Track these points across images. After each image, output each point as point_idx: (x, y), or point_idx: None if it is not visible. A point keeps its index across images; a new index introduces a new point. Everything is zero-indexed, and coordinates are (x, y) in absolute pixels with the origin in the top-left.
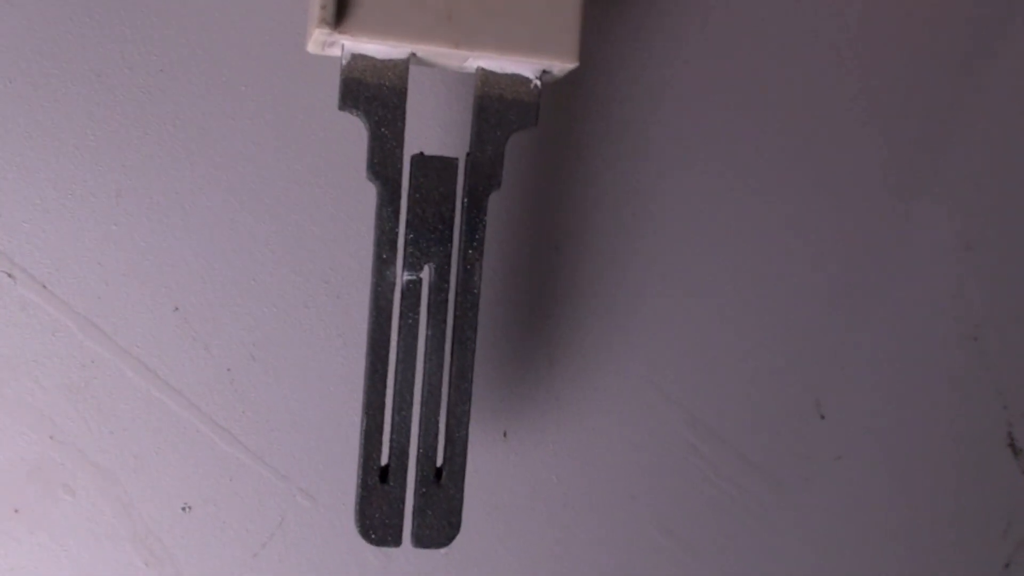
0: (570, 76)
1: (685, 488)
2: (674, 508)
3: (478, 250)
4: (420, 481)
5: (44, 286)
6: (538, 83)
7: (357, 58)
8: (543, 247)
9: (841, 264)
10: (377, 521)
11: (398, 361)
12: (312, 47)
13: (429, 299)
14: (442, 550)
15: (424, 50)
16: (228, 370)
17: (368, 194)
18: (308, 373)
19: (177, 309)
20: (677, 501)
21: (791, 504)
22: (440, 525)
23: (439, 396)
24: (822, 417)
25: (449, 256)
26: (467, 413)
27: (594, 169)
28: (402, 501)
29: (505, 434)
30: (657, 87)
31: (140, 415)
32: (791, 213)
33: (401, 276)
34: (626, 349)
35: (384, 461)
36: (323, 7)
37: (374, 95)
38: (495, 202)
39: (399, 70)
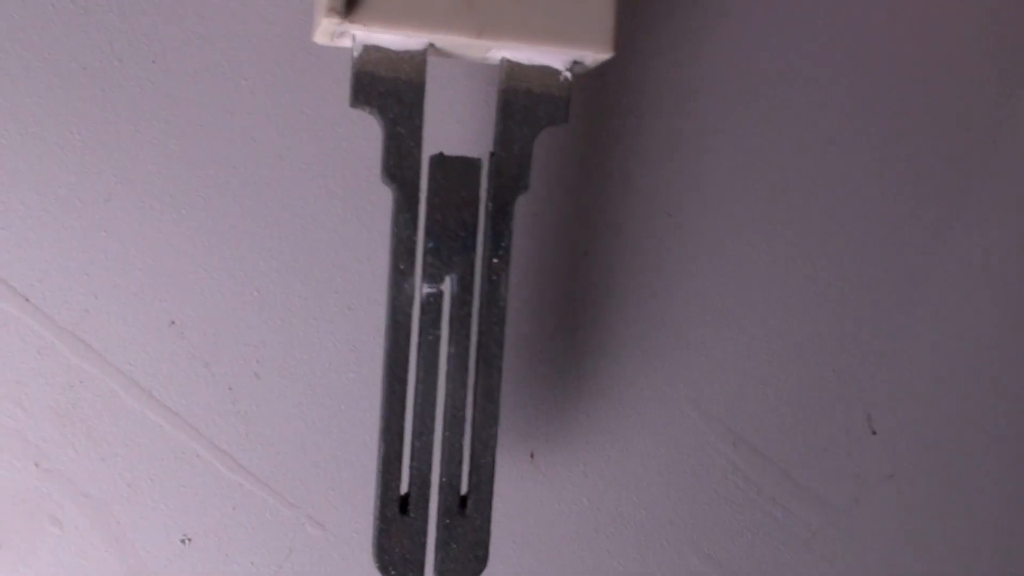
0: (600, 68)
1: (726, 511)
2: (715, 533)
3: (504, 259)
4: (443, 511)
5: (26, 299)
6: (568, 75)
7: (370, 49)
8: (570, 251)
9: (891, 270)
10: (397, 555)
11: (418, 381)
12: (320, 37)
13: (451, 313)
14: None
15: (443, 40)
16: (229, 389)
17: (382, 198)
18: (317, 391)
19: (173, 323)
20: (718, 525)
21: (840, 527)
22: (466, 559)
23: (463, 419)
24: (873, 432)
25: (472, 266)
26: (494, 437)
27: (625, 167)
28: (424, 533)
29: (532, 455)
30: (693, 80)
31: (133, 439)
32: (839, 217)
33: (420, 288)
34: (661, 362)
35: (404, 490)
36: None
37: (389, 90)
38: (520, 204)
39: (416, 62)
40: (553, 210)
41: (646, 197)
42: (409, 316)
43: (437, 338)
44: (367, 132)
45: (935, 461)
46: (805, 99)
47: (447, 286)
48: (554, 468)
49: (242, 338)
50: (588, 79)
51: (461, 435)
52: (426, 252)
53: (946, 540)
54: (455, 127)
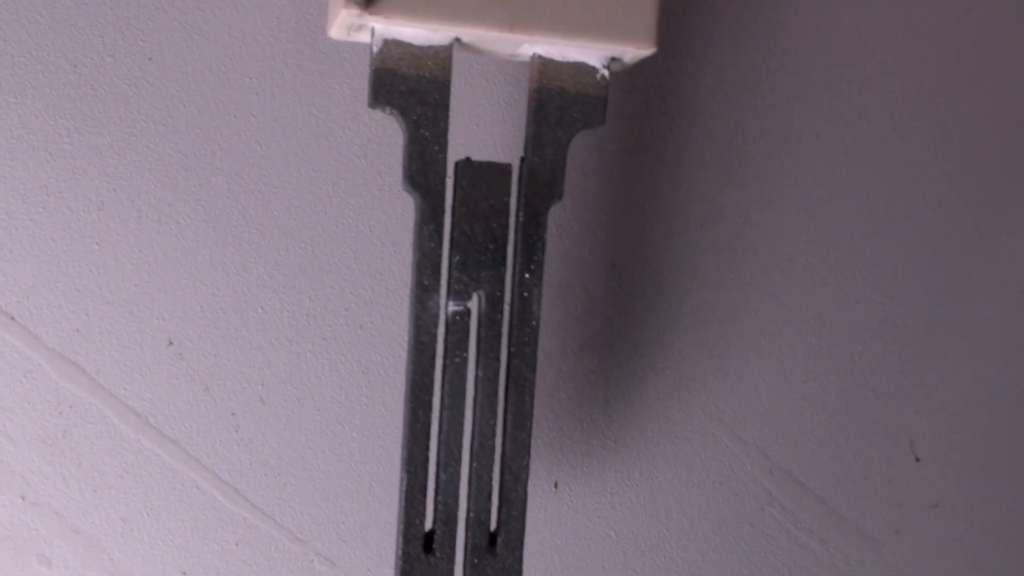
0: (636, 66)
1: (761, 544)
2: (749, 566)
3: (536, 274)
4: (471, 550)
5: (12, 318)
6: (606, 73)
7: (391, 44)
8: (597, 264)
9: (935, 286)
10: None
11: (443, 408)
12: (336, 32)
13: (479, 333)
14: None
15: (471, 34)
16: (232, 415)
17: (398, 207)
18: (326, 417)
19: (171, 344)
20: (753, 559)
21: (881, 559)
22: None
23: (492, 448)
24: (917, 459)
25: (502, 282)
26: (526, 469)
27: (655, 174)
28: (451, 573)
29: (556, 485)
30: (729, 83)
31: (128, 470)
32: (880, 241)
33: (446, 306)
34: (693, 384)
35: (429, 526)
36: None
37: (412, 89)
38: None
39: (441, 58)
40: (578, 220)
41: (678, 207)
42: (434, 337)
43: (464, 360)
44: (386, 135)
45: (982, 489)
46: (847, 109)
47: (475, 304)
48: (579, 499)
49: (246, 360)
50: (613, 78)
51: (490, 466)
52: (452, 267)
53: (993, 574)
54: (483, 130)
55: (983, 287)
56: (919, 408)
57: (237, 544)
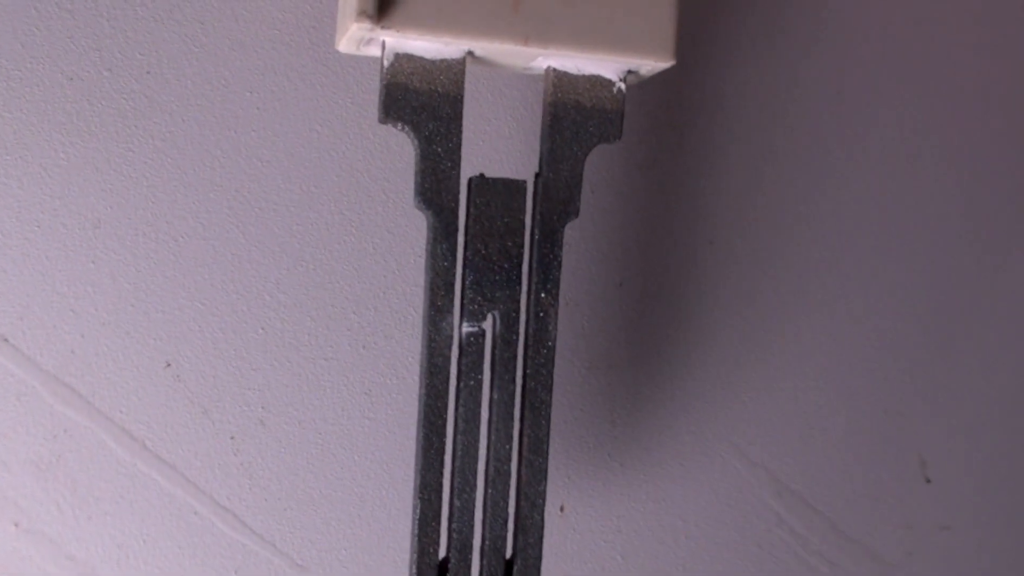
0: (650, 79)
1: (770, 565)
2: None
3: (552, 293)
4: None
5: (5, 339)
6: (622, 86)
7: (402, 59)
8: (604, 282)
9: (945, 305)
10: None
11: (457, 432)
12: (345, 46)
13: (494, 355)
14: None
15: (484, 47)
16: (231, 438)
17: (404, 224)
18: (328, 441)
19: (169, 365)
20: None
21: None
22: None
23: (508, 474)
24: (928, 481)
25: (517, 302)
26: (542, 495)
27: (663, 189)
28: None
29: (562, 508)
30: (740, 96)
31: (124, 495)
32: (891, 259)
33: (460, 327)
34: (701, 405)
35: (443, 554)
36: None
37: (424, 104)
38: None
39: (454, 73)
40: (585, 236)
41: (686, 223)
42: (447, 359)
43: (479, 383)
44: (390, 151)
45: (994, 511)
46: (859, 126)
47: (489, 324)
48: (586, 522)
49: (245, 381)
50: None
51: (506, 492)
52: (466, 287)
53: None
54: (497, 145)
55: (994, 307)
56: (929, 429)
57: (236, 571)
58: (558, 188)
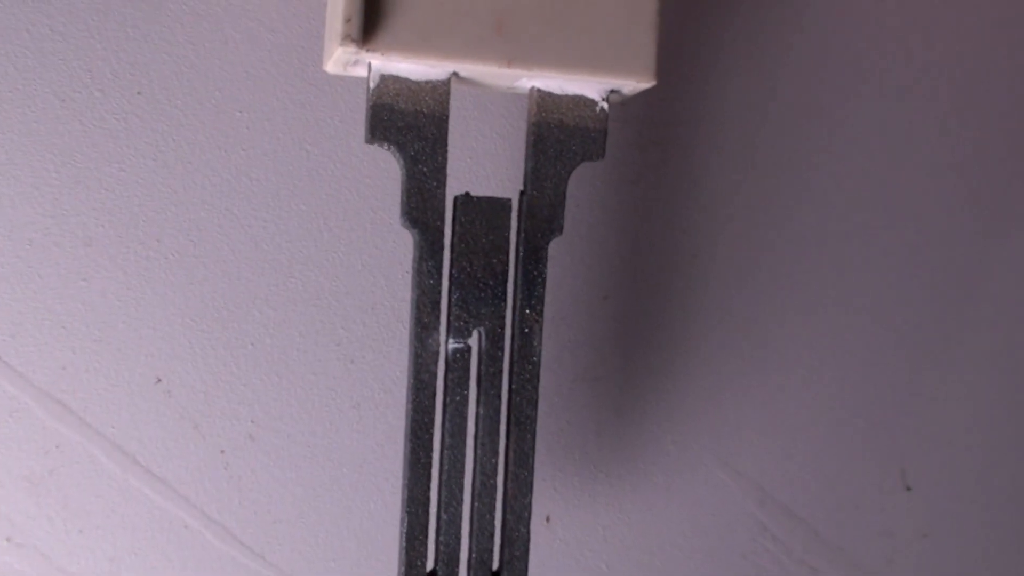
0: (632, 98)
1: (755, 574)
2: None
3: (537, 309)
4: None
5: None
6: (605, 106)
7: (388, 80)
8: (589, 296)
9: (925, 316)
10: None
11: (444, 447)
12: (332, 67)
13: (479, 371)
14: None
15: (469, 69)
16: (221, 452)
17: (392, 241)
18: (317, 454)
19: (159, 380)
20: None
21: None
22: None
23: (494, 487)
24: (908, 489)
25: (502, 318)
26: (528, 507)
27: (647, 204)
28: None
29: (548, 519)
30: (720, 112)
31: (116, 510)
32: (872, 271)
33: (446, 343)
34: (685, 415)
35: (430, 566)
36: (348, 20)
37: (409, 124)
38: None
39: (439, 93)
40: (570, 251)
41: (670, 238)
42: (434, 374)
43: (465, 399)
44: (378, 170)
45: (974, 519)
46: (841, 142)
47: (475, 340)
48: (571, 532)
49: (235, 396)
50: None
51: (492, 505)
52: (452, 304)
53: None
54: (482, 164)
55: (973, 317)
56: (910, 438)
57: None
58: (542, 206)
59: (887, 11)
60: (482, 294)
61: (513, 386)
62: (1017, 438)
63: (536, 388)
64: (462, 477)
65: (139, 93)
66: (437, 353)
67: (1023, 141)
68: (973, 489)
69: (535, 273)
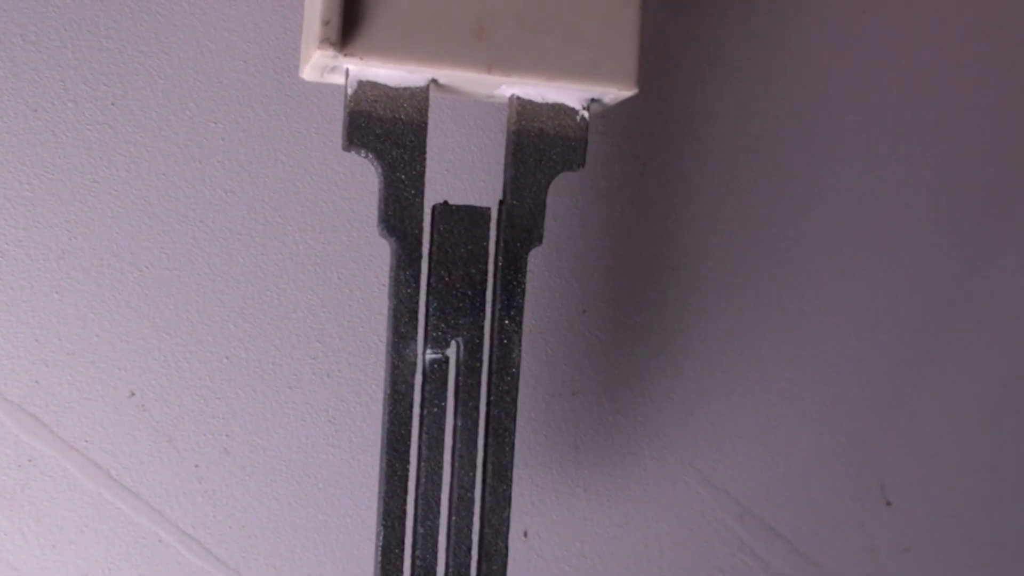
0: (614, 107)
1: None
2: None
3: (516, 320)
4: None
5: None
6: (585, 115)
7: (366, 86)
8: (567, 309)
9: (905, 332)
10: None
11: (421, 460)
12: (309, 73)
13: (457, 382)
14: None
15: (448, 75)
16: (196, 466)
17: (369, 253)
18: (292, 469)
19: (133, 394)
20: None
21: None
22: None
23: (471, 501)
24: (888, 503)
25: (481, 328)
26: (506, 521)
27: (626, 217)
28: None
29: (526, 534)
30: (702, 124)
31: (89, 524)
32: (852, 286)
33: (423, 355)
34: (664, 430)
35: None
36: (326, 23)
37: (387, 132)
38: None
39: (417, 100)
40: (548, 264)
41: (649, 251)
42: (411, 386)
43: (442, 410)
44: (354, 180)
45: (954, 534)
46: (820, 155)
47: (453, 351)
48: (549, 547)
49: (210, 410)
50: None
51: (470, 519)
52: (430, 314)
53: None
54: (461, 173)
55: (955, 333)
56: (890, 452)
57: None
58: (522, 215)
59: (875, 25)
60: (460, 304)
61: (492, 398)
62: (996, 452)
63: (515, 400)
64: (439, 490)
65: (113, 104)
66: (415, 364)
67: (1009, 161)
68: (953, 503)
69: (514, 283)
